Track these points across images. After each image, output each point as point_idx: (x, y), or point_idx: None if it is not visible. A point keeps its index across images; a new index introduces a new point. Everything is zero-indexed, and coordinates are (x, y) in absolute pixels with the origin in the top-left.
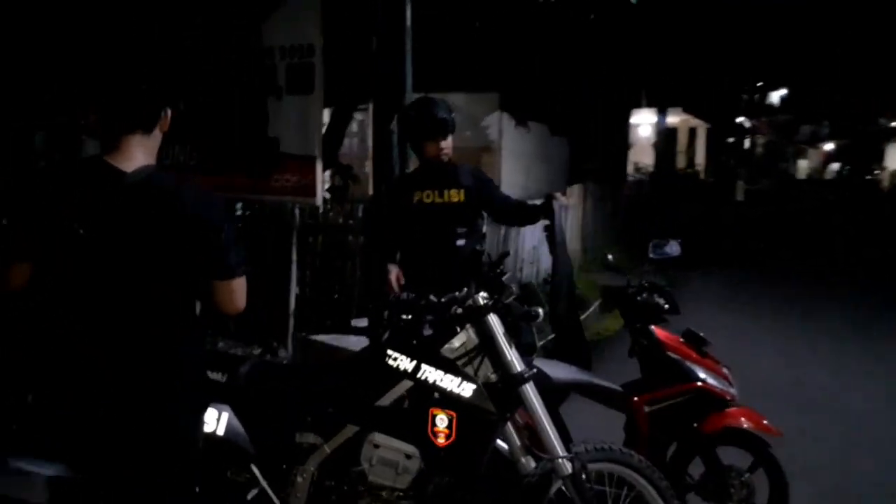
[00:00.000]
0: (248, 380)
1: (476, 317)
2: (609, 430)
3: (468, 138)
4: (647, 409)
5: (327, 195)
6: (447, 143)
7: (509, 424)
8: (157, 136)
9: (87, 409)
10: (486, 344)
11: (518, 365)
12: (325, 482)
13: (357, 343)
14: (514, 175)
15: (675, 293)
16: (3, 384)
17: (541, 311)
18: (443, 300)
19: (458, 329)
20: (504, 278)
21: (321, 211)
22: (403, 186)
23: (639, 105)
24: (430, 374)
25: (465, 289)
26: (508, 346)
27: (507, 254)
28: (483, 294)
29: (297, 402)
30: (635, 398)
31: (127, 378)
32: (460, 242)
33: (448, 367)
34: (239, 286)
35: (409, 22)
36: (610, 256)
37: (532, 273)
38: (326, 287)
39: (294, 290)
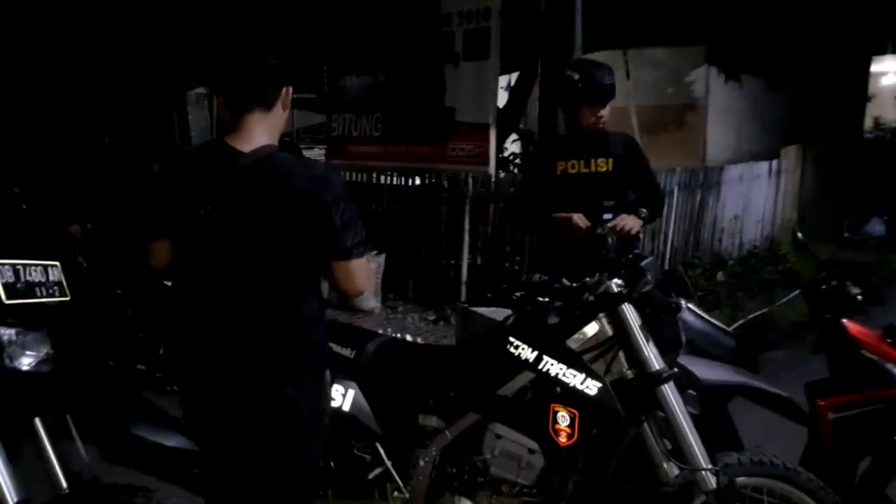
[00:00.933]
0: (374, 358)
1: (609, 306)
2: (792, 436)
3: (669, 95)
4: (832, 415)
5: (516, 162)
6: (606, 112)
7: (648, 426)
8: (278, 113)
9: (207, 385)
10: (621, 337)
11: (656, 362)
12: (447, 468)
13: None
14: (722, 135)
15: (878, 281)
16: (142, 352)
17: (683, 302)
18: (574, 286)
19: (590, 319)
20: (645, 262)
21: (493, 179)
22: (546, 155)
23: (882, 51)
24: (551, 366)
25: (598, 274)
26: (645, 341)
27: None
28: (617, 281)
29: (420, 383)
30: (819, 402)
31: (245, 354)
32: (608, 216)
33: (572, 360)
34: (358, 267)
35: None
36: (800, 234)
37: (732, 246)
38: (498, 257)
39: (466, 259)
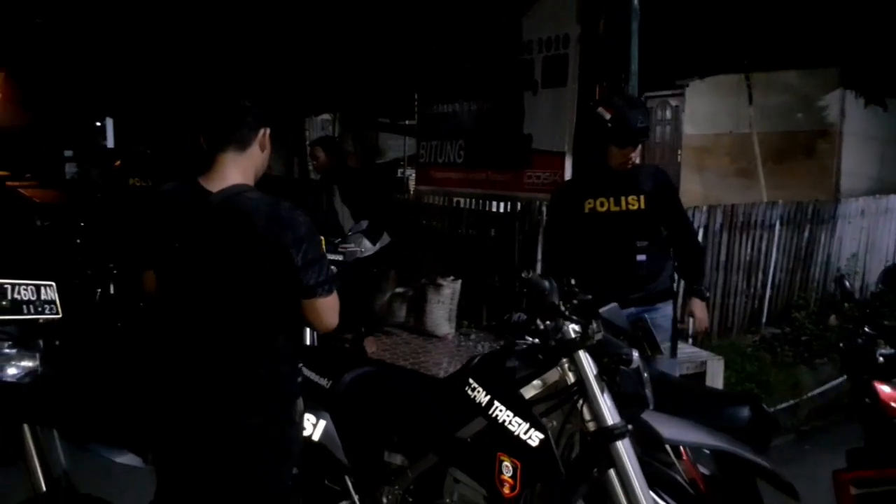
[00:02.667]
0: (349, 388)
1: (566, 352)
2: None
3: (798, 121)
4: (854, 490)
5: None
6: (636, 154)
7: (606, 481)
8: (254, 154)
9: (168, 407)
10: (580, 387)
11: (610, 416)
12: None
13: None
14: (860, 164)
15: None
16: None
17: (636, 354)
18: (541, 328)
19: (551, 365)
20: (606, 309)
21: None
22: (573, 192)
23: None
24: (500, 412)
25: (557, 318)
26: (600, 392)
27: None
28: (574, 326)
29: (388, 418)
30: (841, 475)
31: (206, 383)
32: (641, 258)
33: (521, 408)
34: (323, 306)
35: (636, 1)
36: (832, 317)
37: (852, 287)
38: None
39: None
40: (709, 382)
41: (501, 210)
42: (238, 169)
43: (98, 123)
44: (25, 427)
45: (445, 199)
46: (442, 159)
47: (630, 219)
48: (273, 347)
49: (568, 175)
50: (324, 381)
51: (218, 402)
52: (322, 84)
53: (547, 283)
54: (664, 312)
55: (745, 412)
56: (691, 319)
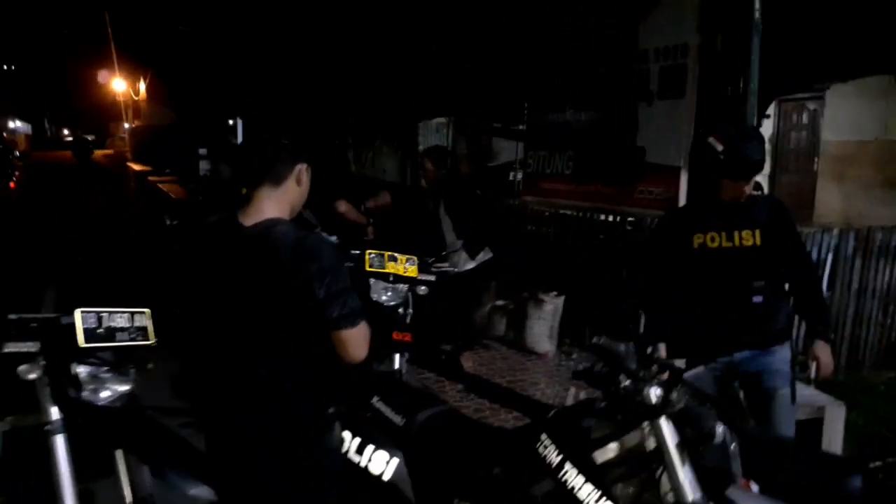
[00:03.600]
0: (422, 429)
1: (647, 417)
2: None
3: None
4: None
5: None
6: (750, 186)
7: None
8: (290, 188)
9: (211, 436)
10: (659, 456)
11: (689, 491)
12: None
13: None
14: None
15: None
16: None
17: (720, 428)
18: (625, 386)
19: (631, 427)
20: (691, 373)
21: None
22: (681, 225)
23: None
24: (570, 476)
25: (642, 374)
26: (680, 464)
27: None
28: (657, 390)
29: (461, 464)
30: None
31: (236, 412)
32: (757, 299)
33: (593, 474)
34: (348, 337)
35: (757, 14)
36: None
37: None
38: None
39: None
40: (827, 430)
41: (609, 223)
42: (273, 203)
43: (230, 122)
44: (117, 453)
45: (552, 211)
46: (550, 170)
47: (744, 256)
48: (294, 378)
49: (683, 192)
50: (398, 419)
51: (245, 430)
52: (436, 88)
53: (622, 347)
54: (781, 356)
55: (855, 482)
56: (814, 364)
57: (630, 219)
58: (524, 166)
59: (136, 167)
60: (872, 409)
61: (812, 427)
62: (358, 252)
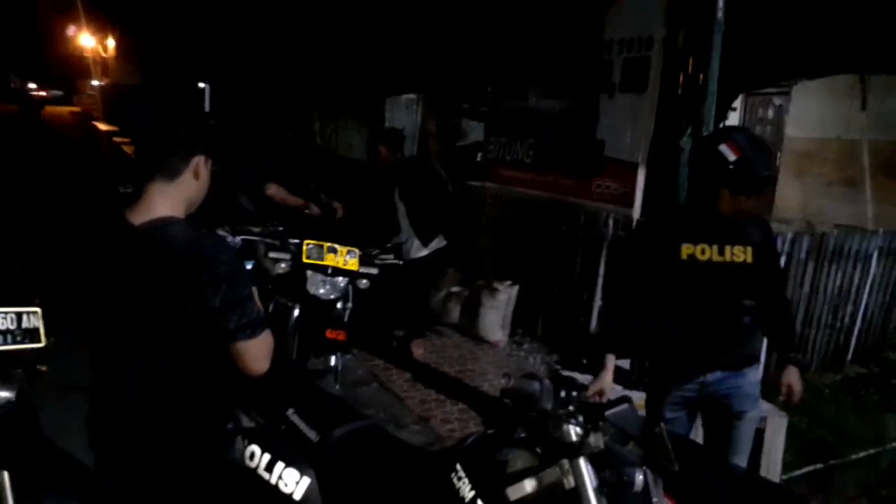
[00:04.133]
0: (336, 446)
1: (564, 454)
2: None
3: None
4: None
5: None
6: (750, 203)
7: None
8: (185, 183)
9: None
10: (574, 496)
11: None
12: None
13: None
14: None
15: None
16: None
17: (639, 477)
18: (543, 420)
19: (549, 463)
20: (614, 411)
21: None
22: (667, 233)
23: None
24: None
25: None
26: None
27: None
28: (576, 428)
29: (373, 487)
30: None
31: (126, 421)
32: (746, 319)
33: None
34: (248, 350)
35: (720, 13)
36: None
37: None
38: None
39: (597, 306)
40: (768, 440)
41: (567, 214)
42: (167, 200)
43: (200, 85)
44: (3, 472)
45: (509, 198)
46: (510, 157)
47: (736, 273)
48: (189, 389)
49: (640, 189)
50: (312, 434)
51: (134, 441)
52: (405, 64)
53: (536, 386)
54: (751, 378)
55: None
56: (786, 389)
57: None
58: (485, 152)
59: (104, 127)
60: (816, 412)
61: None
62: (297, 241)
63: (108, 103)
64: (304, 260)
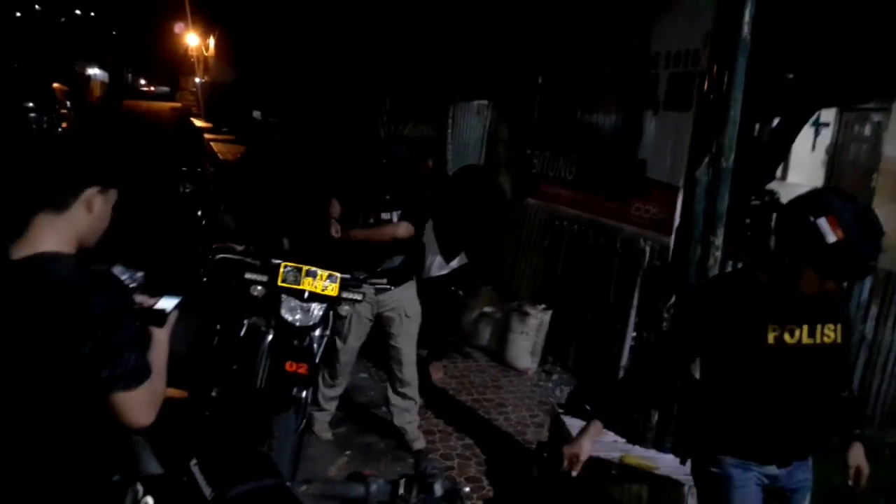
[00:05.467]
0: None
1: None
2: None
3: None
4: None
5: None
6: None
7: None
8: (76, 217)
9: None
10: None
11: None
12: None
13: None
14: None
15: None
16: None
17: None
18: None
19: None
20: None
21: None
22: (743, 310)
23: None
24: None
25: None
26: None
27: None
28: None
29: None
30: None
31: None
32: (824, 408)
33: None
34: (126, 402)
35: (746, 29)
36: None
37: None
38: None
39: (630, 338)
40: None
41: (604, 239)
42: (52, 234)
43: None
44: None
45: (550, 218)
46: (553, 173)
47: (826, 357)
48: (69, 439)
49: (678, 215)
50: (208, 490)
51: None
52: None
53: (360, 491)
54: (809, 464)
55: None
56: (854, 470)
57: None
58: (529, 166)
59: (200, 123)
60: (875, 476)
61: None
62: (277, 262)
63: (207, 100)
64: (279, 283)
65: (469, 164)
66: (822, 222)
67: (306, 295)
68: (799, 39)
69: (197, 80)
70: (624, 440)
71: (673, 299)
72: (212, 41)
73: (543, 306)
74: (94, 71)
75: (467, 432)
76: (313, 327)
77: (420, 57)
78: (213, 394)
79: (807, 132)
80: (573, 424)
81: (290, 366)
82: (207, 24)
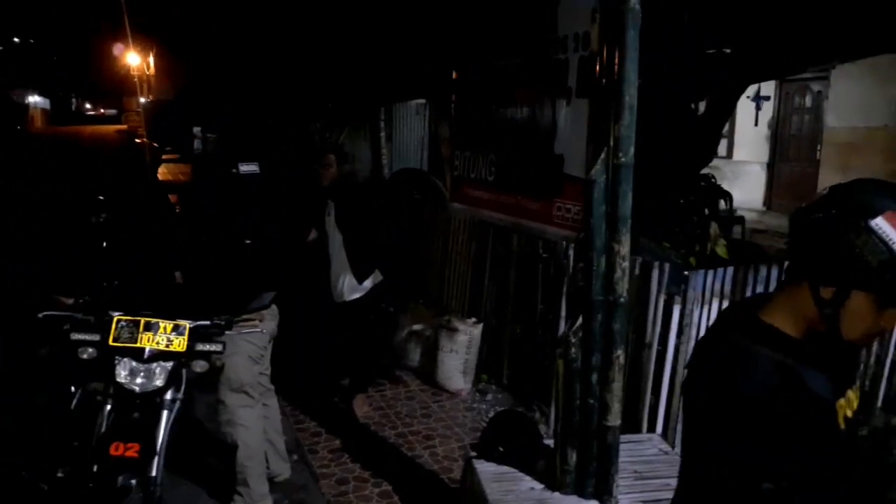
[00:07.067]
0: None
1: None
2: None
3: None
4: None
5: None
6: None
7: None
8: None
9: None
10: None
11: None
12: None
13: None
14: None
15: None
16: None
17: None
18: None
19: None
20: None
21: None
22: (806, 393)
23: None
24: None
25: None
26: None
27: None
28: None
29: None
30: None
31: None
32: None
33: None
34: None
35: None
36: None
37: None
38: None
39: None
40: None
41: (526, 243)
42: None
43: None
44: None
45: (474, 223)
46: (474, 174)
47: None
48: None
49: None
50: None
51: None
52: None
53: None
54: None
55: None
56: None
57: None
58: (451, 168)
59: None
60: None
61: None
62: (112, 316)
63: (149, 120)
64: (111, 343)
65: (406, 166)
66: (881, 224)
67: (146, 354)
68: (727, 11)
69: (142, 100)
70: (542, 486)
71: (580, 321)
72: (151, 59)
73: (474, 320)
74: (34, 99)
75: (386, 477)
76: (159, 391)
77: (346, 60)
78: (59, 474)
79: (748, 107)
80: (485, 471)
81: (115, 448)
82: (145, 41)
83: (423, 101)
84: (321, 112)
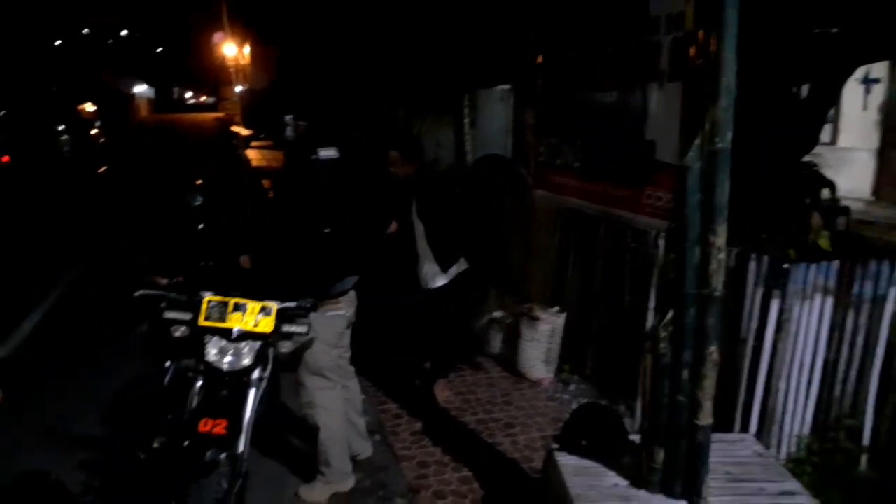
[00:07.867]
0: None
1: None
2: None
3: None
4: None
5: None
6: None
7: None
8: None
9: None
10: None
11: None
12: None
13: None
14: None
15: None
16: None
17: None
18: None
19: None
20: None
21: None
22: None
23: None
24: None
25: None
26: None
27: None
28: None
29: None
30: None
31: None
32: None
33: None
34: None
35: None
36: None
37: None
38: None
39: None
40: None
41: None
42: None
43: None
44: None
45: (559, 211)
46: (560, 161)
47: None
48: None
49: None
50: None
51: None
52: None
53: None
54: None
55: None
56: None
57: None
58: (535, 155)
59: (244, 131)
60: None
61: None
62: (203, 296)
63: (246, 108)
64: (201, 322)
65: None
66: None
67: (234, 334)
68: None
69: (236, 88)
70: (627, 483)
71: (670, 315)
72: (247, 49)
73: (556, 309)
74: (140, 88)
75: (466, 462)
76: (247, 370)
77: (430, 48)
78: (155, 445)
79: (856, 90)
80: (567, 464)
81: (203, 424)
82: (242, 31)
83: (507, 87)
84: (406, 99)
